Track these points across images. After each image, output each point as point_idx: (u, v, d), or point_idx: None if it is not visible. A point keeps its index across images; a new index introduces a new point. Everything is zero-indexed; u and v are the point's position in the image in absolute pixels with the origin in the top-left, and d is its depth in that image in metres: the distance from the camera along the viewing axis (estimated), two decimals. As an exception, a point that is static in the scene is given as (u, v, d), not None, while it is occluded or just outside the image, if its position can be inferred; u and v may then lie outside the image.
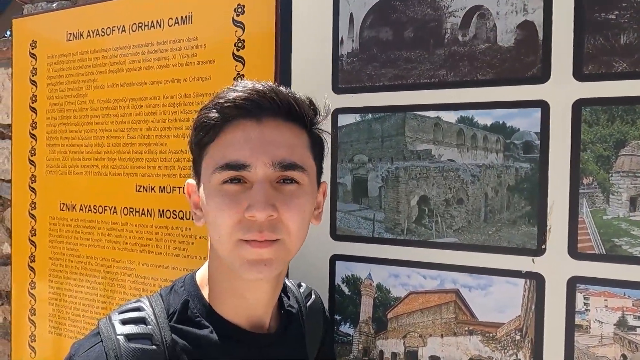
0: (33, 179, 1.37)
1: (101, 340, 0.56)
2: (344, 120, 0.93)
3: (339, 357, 0.94)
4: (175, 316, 0.61)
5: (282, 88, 0.61)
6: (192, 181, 0.66)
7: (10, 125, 1.52)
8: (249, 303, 0.63)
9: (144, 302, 0.62)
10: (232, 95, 0.58)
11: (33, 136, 1.37)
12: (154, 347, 0.56)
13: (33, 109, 1.37)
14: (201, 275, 0.66)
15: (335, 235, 0.94)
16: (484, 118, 0.83)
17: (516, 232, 0.81)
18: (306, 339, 0.74)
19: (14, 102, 1.40)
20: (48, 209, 1.34)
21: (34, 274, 1.38)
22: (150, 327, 0.58)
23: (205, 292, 0.64)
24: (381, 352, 0.91)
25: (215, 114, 0.58)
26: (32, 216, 1.38)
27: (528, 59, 0.80)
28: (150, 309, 0.61)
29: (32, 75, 1.36)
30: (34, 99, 1.37)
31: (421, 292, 0.88)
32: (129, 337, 0.56)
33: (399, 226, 0.89)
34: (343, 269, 0.94)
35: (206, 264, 0.67)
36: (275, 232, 0.56)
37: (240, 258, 0.57)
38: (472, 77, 0.83)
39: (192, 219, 0.66)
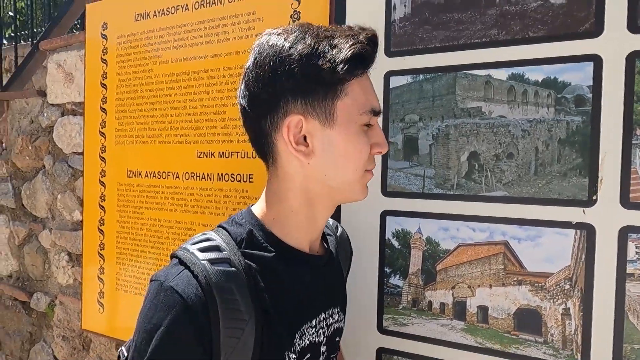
0: (103, 149, 1.50)
1: (187, 267, 0.61)
2: (395, 82, 0.98)
3: (389, 307, 0.99)
4: (244, 243, 0.66)
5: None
6: (297, 117, 0.63)
7: (81, 103, 1.66)
8: (318, 228, 0.71)
9: (210, 234, 0.67)
10: (353, 46, 0.61)
11: (103, 110, 1.50)
12: (233, 269, 0.62)
13: (103, 85, 1.50)
14: (259, 210, 0.71)
15: (386, 191, 0.99)
16: (535, 74, 0.86)
17: (567, 184, 0.83)
18: (341, 264, 0.83)
19: (86, 79, 1.54)
20: (116, 176, 1.47)
21: (103, 236, 1.51)
22: (225, 252, 0.63)
23: (265, 223, 0.69)
24: (430, 302, 0.95)
25: (367, 53, 0.63)
26: (102, 183, 1.51)
27: (580, 15, 0.82)
28: (220, 239, 0.66)
29: (103, 55, 1.49)
30: (104, 76, 1.49)
31: (470, 245, 0.91)
32: (212, 262, 0.61)
33: (449, 181, 0.93)
34: (393, 224, 0.99)
35: (262, 202, 0.71)
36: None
37: (362, 183, 0.69)
38: (524, 35, 0.86)
39: (298, 155, 0.65)
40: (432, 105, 0.95)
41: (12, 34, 2.00)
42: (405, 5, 0.97)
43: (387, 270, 1.00)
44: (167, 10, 1.34)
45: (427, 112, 0.95)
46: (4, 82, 2.06)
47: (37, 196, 1.83)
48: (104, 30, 1.49)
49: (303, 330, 0.68)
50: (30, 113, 1.87)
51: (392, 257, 0.99)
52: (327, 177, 0.66)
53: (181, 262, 0.62)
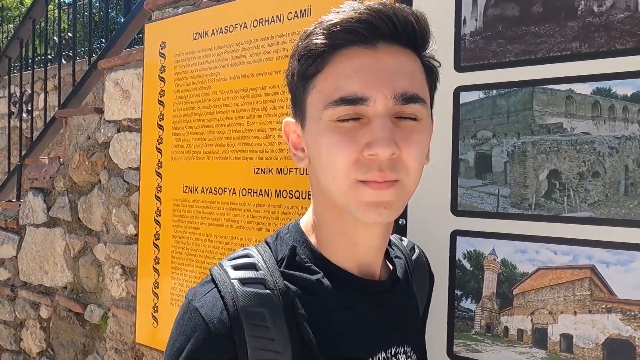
0: (159, 165, 1.53)
1: (216, 286, 0.55)
2: (466, 97, 0.95)
3: (460, 332, 0.95)
4: (285, 262, 0.58)
5: (398, 5, 0.54)
6: (290, 119, 0.61)
7: (137, 120, 1.71)
8: (358, 249, 0.59)
9: (251, 249, 0.61)
10: (341, 17, 0.52)
11: (160, 127, 1.53)
12: (267, 291, 0.54)
13: (161, 103, 1.53)
14: (305, 221, 0.63)
15: (457, 210, 0.96)
16: (623, 88, 0.81)
17: (663, 205, 0.78)
18: (415, 292, 0.71)
19: (144, 97, 1.58)
20: (172, 191, 1.49)
21: (158, 250, 1.53)
22: (261, 272, 0.56)
23: (312, 239, 0.61)
24: (506, 328, 0.90)
25: (322, 40, 0.52)
26: (158, 198, 1.53)
27: (675, 25, 0.77)
28: (259, 256, 0.59)
29: (161, 73, 1.53)
30: (161, 93, 1.53)
31: (551, 268, 0.86)
32: (243, 282, 0.55)
33: (527, 201, 0.89)
34: (464, 245, 0.95)
35: (310, 211, 0.63)
36: (395, 171, 0.52)
37: (358, 200, 0.53)
38: (610, 48, 0.82)
39: (294, 161, 0.62)
40: (507, 121, 0.91)
41: (70, 53, 2.09)
42: (476, 19, 0.94)
43: (458, 293, 0.96)
44: (225, 29, 1.36)
45: (502, 128, 0.91)
46: (62, 100, 2.15)
47: (92, 210, 1.88)
48: (162, 49, 1.53)
49: None
50: (87, 129, 1.94)
51: (463, 279, 0.95)
52: (322, 186, 0.57)
53: (213, 279, 0.57)
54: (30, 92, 2.34)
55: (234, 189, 1.33)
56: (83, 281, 1.92)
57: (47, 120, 2.27)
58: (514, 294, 0.90)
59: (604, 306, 0.82)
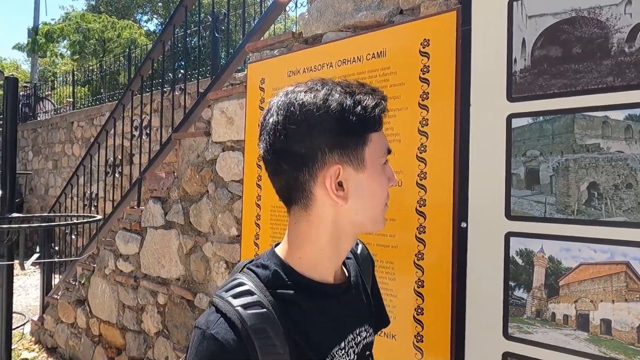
0: (259, 178, 1.87)
1: (223, 315, 0.66)
2: (517, 123, 1.16)
3: (514, 317, 1.14)
4: (270, 283, 0.72)
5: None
6: (335, 167, 0.72)
7: (239, 141, 2.08)
8: (342, 257, 0.79)
9: (241, 278, 0.72)
10: (375, 102, 0.72)
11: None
12: (264, 310, 0.67)
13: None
14: (282, 250, 0.77)
15: (510, 215, 1.16)
16: (651, 115, 0.98)
17: (687, 211, 0.93)
18: (364, 279, 0.89)
19: (247, 123, 1.94)
20: (270, 200, 1.82)
21: (258, 248, 1.86)
22: (256, 296, 0.69)
23: (290, 262, 0.75)
24: (553, 314, 1.09)
25: (378, 114, 0.72)
26: (258, 206, 1.87)
27: (696, 62, 0.93)
28: (250, 282, 0.71)
29: (261, 103, 1.88)
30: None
31: (592, 264, 1.04)
32: (245, 306, 0.67)
33: (569, 208, 1.07)
34: (517, 244, 1.15)
35: (285, 244, 0.77)
36: None
37: (383, 216, 0.77)
38: (639, 81, 0.99)
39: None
40: (552, 142, 1.10)
41: (182, 87, 2.53)
42: (525, 59, 1.15)
43: (512, 284, 1.15)
44: (314, 67, 1.67)
45: (547, 148, 1.11)
46: (175, 125, 2.60)
47: (201, 215, 2.28)
48: (262, 84, 1.88)
49: (333, 353, 0.75)
50: (197, 149, 2.35)
51: (516, 273, 1.15)
52: (357, 216, 0.74)
53: (218, 309, 0.68)
54: (149, 117, 2.83)
55: (321, 198, 1.62)
56: (193, 274, 2.32)
57: (162, 142, 2.75)
58: (560, 285, 1.08)
59: (638, 295, 0.98)
